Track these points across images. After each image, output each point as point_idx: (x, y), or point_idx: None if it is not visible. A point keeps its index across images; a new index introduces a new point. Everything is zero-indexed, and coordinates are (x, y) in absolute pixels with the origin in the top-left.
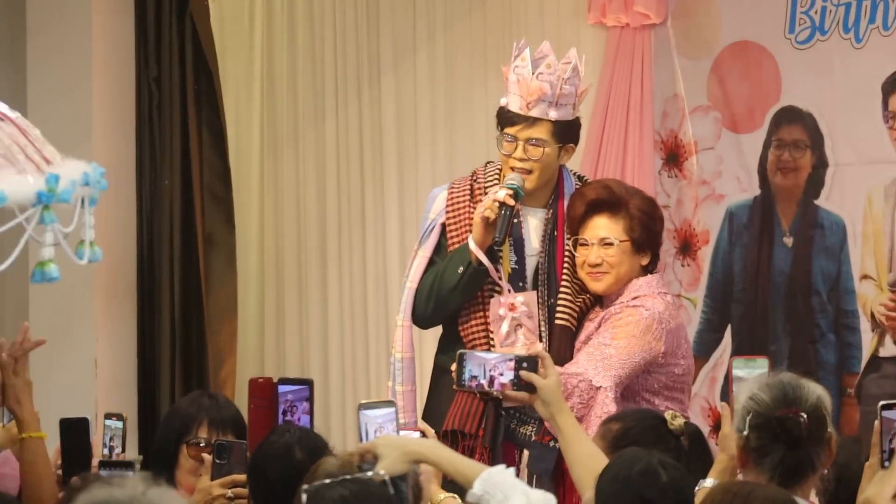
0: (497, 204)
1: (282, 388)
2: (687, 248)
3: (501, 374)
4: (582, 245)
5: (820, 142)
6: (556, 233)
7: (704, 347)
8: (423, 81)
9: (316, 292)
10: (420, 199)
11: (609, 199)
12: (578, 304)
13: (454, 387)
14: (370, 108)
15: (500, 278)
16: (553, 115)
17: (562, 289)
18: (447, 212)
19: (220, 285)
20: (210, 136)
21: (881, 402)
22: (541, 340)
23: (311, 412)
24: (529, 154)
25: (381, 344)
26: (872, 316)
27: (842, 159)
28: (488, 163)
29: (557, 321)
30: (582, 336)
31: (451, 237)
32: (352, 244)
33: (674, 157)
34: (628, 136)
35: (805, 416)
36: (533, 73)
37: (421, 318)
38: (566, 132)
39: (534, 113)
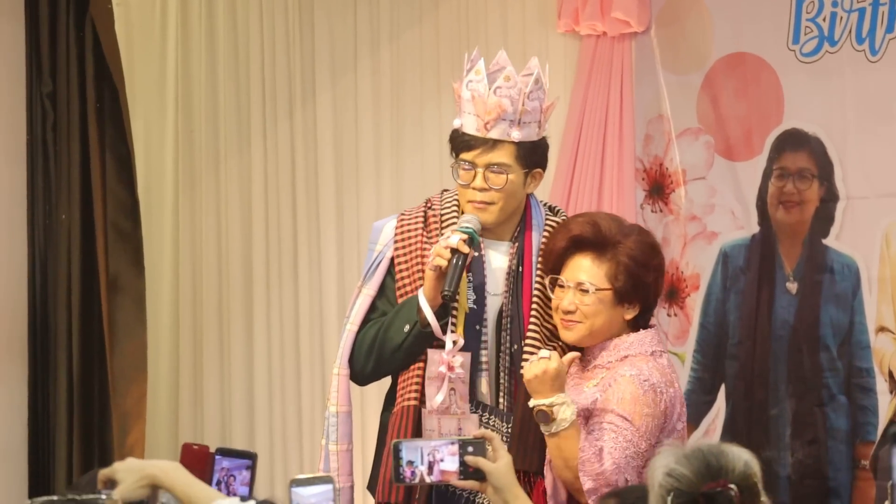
0: (449, 251)
1: (220, 458)
2: (674, 294)
3: (442, 460)
4: (559, 287)
5: (829, 171)
6: (521, 269)
7: (694, 411)
8: (365, 99)
9: (240, 347)
10: (362, 236)
11: (595, 238)
12: (549, 349)
13: (393, 481)
14: (304, 131)
15: (452, 331)
16: (516, 135)
17: (529, 334)
18: (396, 243)
19: (126, 338)
20: (115, 162)
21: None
22: (500, 392)
23: (250, 484)
24: (491, 182)
25: (316, 407)
26: (891, 375)
27: (855, 191)
28: (444, 191)
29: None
30: (581, 399)
31: (402, 274)
32: (282, 290)
33: (658, 188)
34: (605, 163)
35: (735, 487)
36: (490, 89)
37: (359, 375)
38: (532, 155)
39: (493, 134)
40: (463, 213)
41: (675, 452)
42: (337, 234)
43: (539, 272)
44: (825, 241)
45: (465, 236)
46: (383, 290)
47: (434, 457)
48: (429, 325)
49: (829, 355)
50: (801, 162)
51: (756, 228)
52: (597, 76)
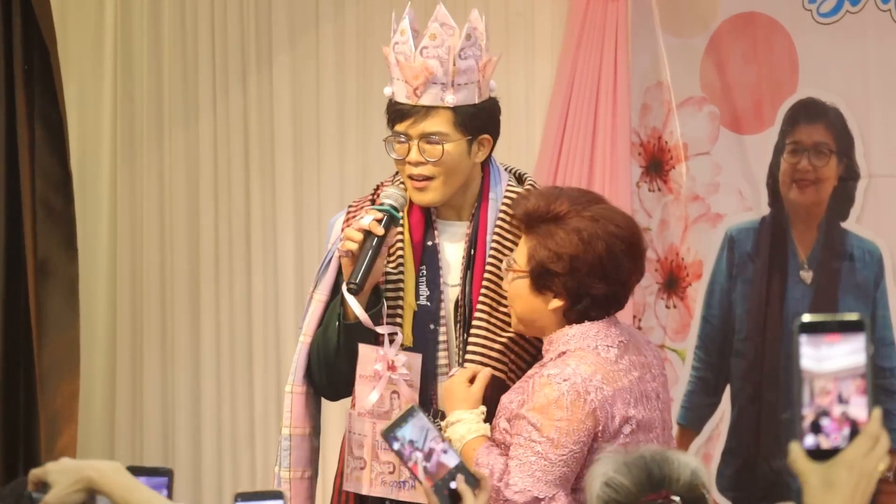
0: (362, 234)
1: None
2: (673, 283)
3: (445, 452)
4: None
5: (849, 146)
6: (474, 252)
7: (695, 415)
8: (327, 63)
9: (185, 340)
10: (323, 216)
11: (523, 216)
12: (502, 341)
13: (380, 433)
14: (258, 98)
15: (383, 324)
16: (451, 100)
17: (475, 321)
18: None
19: (57, 330)
20: (45, 132)
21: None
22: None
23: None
24: (427, 154)
25: (271, 410)
26: None
27: (878, 169)
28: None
29: (467, 361)
30: (501, 410)
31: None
32: (233, 277)
33: (656, 164)
34: (596, 137)
35: (678, 499)
36: (416, 50)
37: (321, 389)
38: (474, 120)
39: (425, 101)
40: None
41: (616, 460)
42: (295, 214)
43: (494, 249)
44: (844, 225)
45: (380, 215)
46: (335, 292)
47: (435, 444)
48: (354, 317)
49: None
50: (818, 135)
51: (766, 210)
52: (588, 39)
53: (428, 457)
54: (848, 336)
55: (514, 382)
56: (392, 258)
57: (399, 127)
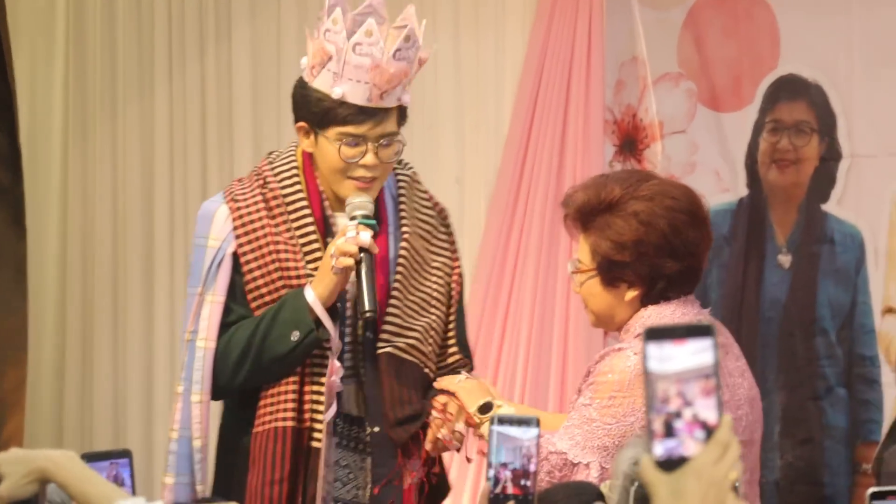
0: (357, 250)
1: (94, 465)
2: None
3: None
4: None
5: (831, 124)
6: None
7: None
8: (289, 35)
9: (138, 324)
10: None
11: (575, 213)
12: (416, 327)
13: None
14: (217, 72)
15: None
16: (407, 99)
17: (389, 310)
18: (239, 238)
19: (3, 314)
20: None
21: (871, 490)
22: (364, 399)
23: (133, 488)
24: (382, 156)
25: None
26: None
27: (861, 149)
28: (271, 153)
29: (380, 349)
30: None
31: (252, 274)
32: (188, 258)
33: (631, 143)
34: (569, 114)
35: None
36: (389, 53)
37: (223, 390)
38: (405, 115)
39: (388, 102)
40: (312, 191)
41: (642, 444)
42: None
43: (406, 238)
44: (825, 207)
45: (370, 230)
46: (233, 292)
47: (531, 455)
48: (326, 332)
49: (827, 340)
50: (799, 113)
51: (744, 191)
52: (561, 11)
53: (523, 476)
54: (694, 339)
55: (429, 368)
56: (311, 260)
57: (357, 129)
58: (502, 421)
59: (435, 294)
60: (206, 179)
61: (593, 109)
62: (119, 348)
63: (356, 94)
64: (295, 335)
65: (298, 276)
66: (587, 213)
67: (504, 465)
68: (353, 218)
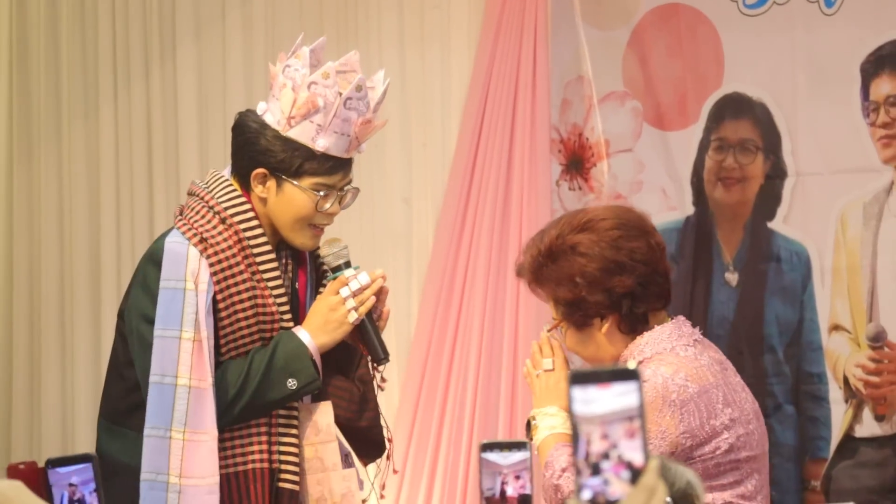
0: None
1: (59, 471)
2: None
3: (507, 483)
4: None
5: (776, 143)
6: (297, 284)
7: None
8: (235, 56)
9: (86, 346)
10: None
11: (532, 262)
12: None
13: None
14: (162, 92)
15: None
16: (363, 148)
17: None
18: (218, 282)
19: None
20: None
21: None
22: None
23: (99, 494)
24: (343, 204)
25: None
26: (846, 381)
27: (805, 167)
28: (203, 182)
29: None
30: None
31: (230, 317)
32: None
33: (577, 161)
34: (515, 133)
35: (670, 500)
36: (370, 108)
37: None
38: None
39: (353, 153)
40: (264, 233)
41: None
42: None
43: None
44: (770, 225)
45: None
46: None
47: (508, 480)
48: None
49: (775, 358)
50: (744, 132)
51: (691, 209)
52: (506, 31)
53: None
54: (619, 383)
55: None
56: (282, 304)
57: (329, 180)
58: (488, 447)
59: None
60: (153, 199)
61: (539, 128)
62: (67, 366)
63: (338, 147)
64: (292, 383)
65: (273, 321)
66: (535, 270)
67: (481, 492)
68: (337, 268)
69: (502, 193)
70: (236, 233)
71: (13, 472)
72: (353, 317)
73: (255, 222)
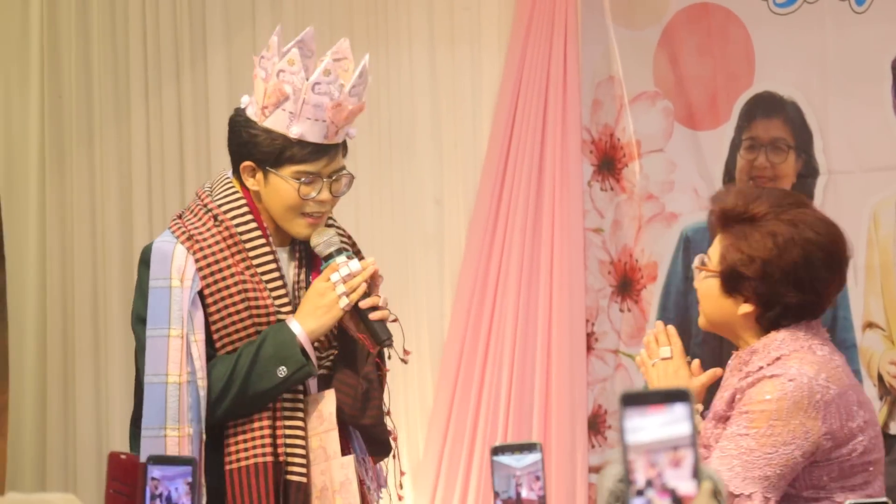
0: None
1: (151, 469)
2: (627, 286)
3: (520, 485)
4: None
5: (807, 141)
6: (310, 278)
7: None
8: None
9: (119, 350)
10: None
11: (719, 214)
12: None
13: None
14: (193, 96)
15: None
16: (353, 132)
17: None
18: (205, 277)
19: None
20: None
21: (849, 502)
22: None
23: (192, 496)
24: (334, 191)
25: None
26: (880, 378)
27: (837, 165)
28: (208, 187)
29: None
30: (710, 413)
31: (219, 312)
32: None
33: (609, 162)
34: (546, 135)
35: None
36: (346, 90)
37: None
38: (346, 148)
39: (339, 138)
40: (260, 228)
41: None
42: None
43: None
44: None
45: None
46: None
47: (522, 482)
48: (314, 367)
49: None
50: (775, 131)
51: None
52: (536, 32)
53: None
54: (671, 407)
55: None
56: (277, 297)
57: (313, 167)
58: (498, 450)
59: None
60: (185, 202)
61: (571, 129)
62: (101, 373)
63: (314, 133)
64: (282, 371)
65: (268, 314)
66: (730, 217)
67: (496, 495)
68: (328, 255)
69: (534, 194)
70: (227, 228)
71: (114, 459)
72: (343, 302)
73: (248, 217)
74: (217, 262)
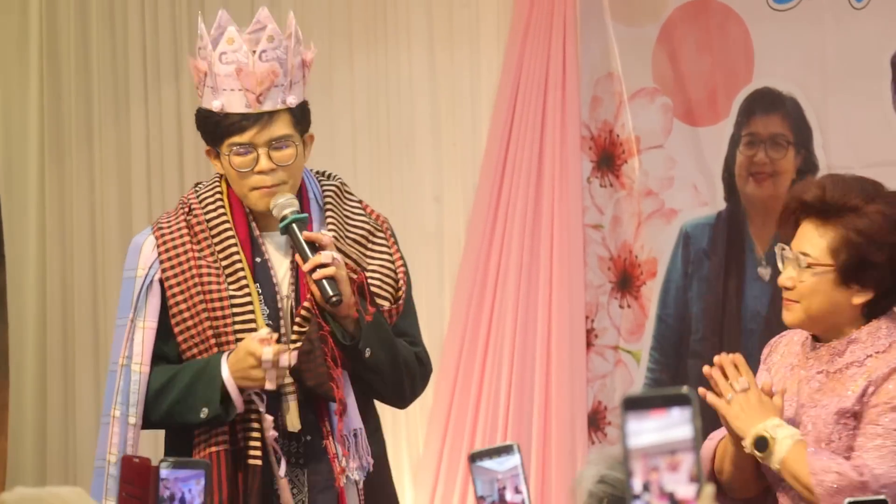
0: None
1: (165, 474)
2: (627, 282)
3: (504, 488)
4: (785, 258)
5: (807, 137)
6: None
7: None
8: None
9: None
10: None
11: (820, 203)
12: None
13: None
14: (192, 94)
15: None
16: (293, 100)
17: (301, 316)
18: (163, 263)
19: None
20: None
21: (847, 500)
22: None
23: (204, 499)
24: (277, 160)
25: None
26: None
27: (837, 161)
28: (197, 184)
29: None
30: (833, 407)
31: (175, 299)
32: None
33: (608, 158)
34: (545, 132)
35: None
36: (255, 55)
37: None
38: (305, 118)
39: (268, 106)
40: (238, 213)
41: (603, 461)
42: None
43: (332, 233)
44: None
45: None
46: (163, 319)
47: (506, 485)
48: (234, 410)
49: None
50: (774, 127)
51: (722, 205)
52: (535, 29)
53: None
54: (674, 410)
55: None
56: (233, 279)
57: (241, 138)
58: (476, 456)
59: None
60: None
61: (570, 126)
62: (101, 371)
63: (234, 103)
64: (204, 412)
65: (221, 299)
66: (829, 207)
67: (482, 499)
68: (283, 218)
69: (533, 191)
70: (196, 216)
71: (127, 462)
72: (269, 384)
73: (216, 205)
74: (175, 248)
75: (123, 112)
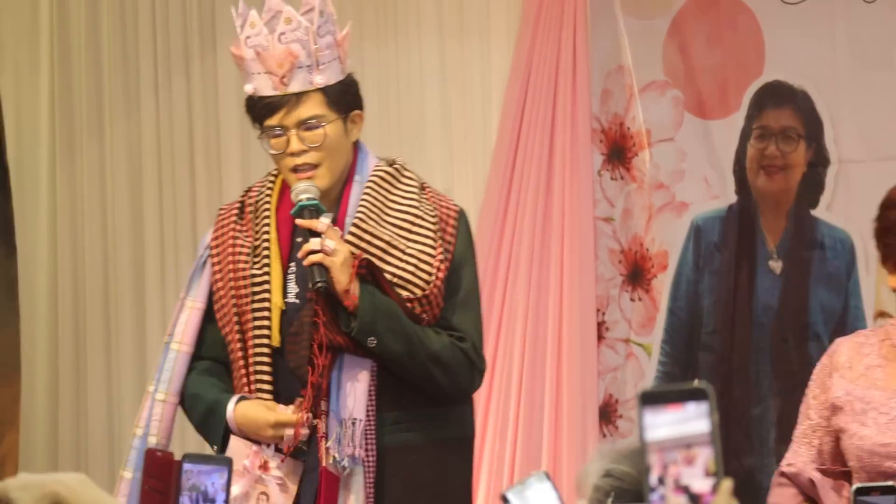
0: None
1: (188, 467)
2: (637, 275)
3: None
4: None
5: (818, 130)
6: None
7: None
8: None
9: (130, 340)
10: None
11: None
12: None
13: None
14: (203, 87)
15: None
16: (320, 80)
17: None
18: (212, 241)
19: None
20: None
21: (855, 486)
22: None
23: (226, 494)
24: (308, 142)
25: None
26: None
27: (848, 154)
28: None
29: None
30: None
31: (214, 276)
32: (179, 274)
33: (619, 151)
34: (556, 124)
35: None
36: (273, 38)
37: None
38: (345, 97)
39: (294, 88)
40: (287, 196)
41: (609, 455)
42: None
43: (354, 231)
44: (814, 213)
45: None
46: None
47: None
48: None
49: (820, 345)
50: (786, 120)
51: (733, 198)
52: (545, 22)
53: None
54: (690, 405)
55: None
56: (258, 259)
57: (271, 121)
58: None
59: (401, 281)
60: (195, 196)
61: (580, 119)
62: (112, 364)
63: (263, 87)
64: (214, 448)
65: (244, 277)
66: None
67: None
68: (298, 202)
69: (544, 184)
70: (250, 197)
71: (150, 456)
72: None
73: (266, 186)
74: (223, 227)
75: (134, 105)
